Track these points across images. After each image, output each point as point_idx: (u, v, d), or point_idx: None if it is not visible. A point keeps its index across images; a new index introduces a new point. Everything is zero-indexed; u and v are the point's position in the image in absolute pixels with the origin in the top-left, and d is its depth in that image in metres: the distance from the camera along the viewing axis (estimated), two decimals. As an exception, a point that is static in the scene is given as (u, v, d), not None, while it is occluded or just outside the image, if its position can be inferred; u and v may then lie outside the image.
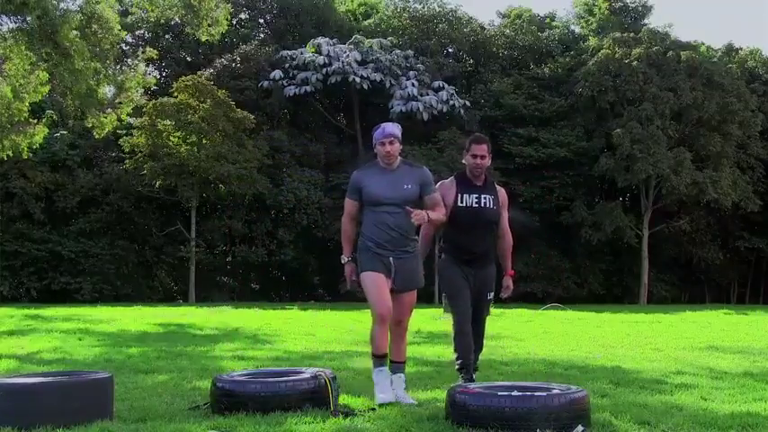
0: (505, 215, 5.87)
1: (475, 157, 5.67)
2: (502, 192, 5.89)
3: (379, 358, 5.16)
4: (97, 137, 20.12)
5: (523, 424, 3.92)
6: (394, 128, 5.22)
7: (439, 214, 5.23)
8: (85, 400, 4.33)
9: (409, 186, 5.14)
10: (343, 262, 5.24)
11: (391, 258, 5.11)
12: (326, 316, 16.34)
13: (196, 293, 32.06)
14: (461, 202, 5.67)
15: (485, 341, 6.08)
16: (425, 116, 35.14)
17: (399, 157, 5.24)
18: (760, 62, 41.08)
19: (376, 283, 5.07)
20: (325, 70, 35.31)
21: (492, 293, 5.82)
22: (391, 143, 5.15)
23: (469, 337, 5.66)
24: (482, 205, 5.69)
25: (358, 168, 5.38)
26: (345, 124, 39.47)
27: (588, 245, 36.23)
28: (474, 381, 5.54)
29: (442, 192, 5.68)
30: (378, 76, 35.65)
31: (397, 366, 5.28)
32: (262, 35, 41.30)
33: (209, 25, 17.06)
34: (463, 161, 5.77)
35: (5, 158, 20.27)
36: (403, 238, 5.13)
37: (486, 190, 5.75)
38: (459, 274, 5.69)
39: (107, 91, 19.56)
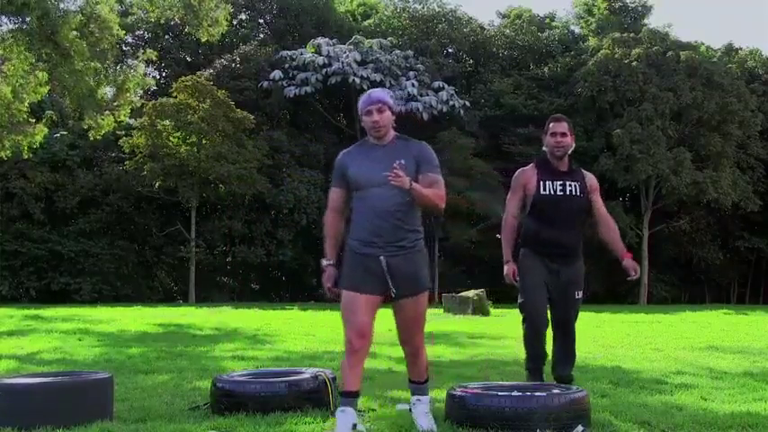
0: (599, 200, 5.30)
1: (554, 135, 5.10)
2: (590, 177, 5.31)
3: (345, 396, 4.08)
4: (92, 139, 20.12)
5: (523, 424, 3.91)
6: (382, 93, 4.29)
7: (429, 193, 4.08)
8: (85, 401, 4.33)
9: (402, 162, 4.10)
10: (323, 266, 4.23)
11: (382, 257, 4.04)
12: (326, 316, 16.34)
13: (196, 294, 32.06)
14: (544, 190, 5.06)
15: (576, 351, 5.36)
16: (425, 116, 35.13)
17: (393, 132, 4.29)
18: (759, 62, 41.09)
19: (350, 303, 4.07)
20: (324, 71, 35.32)
21: (581, 292, 5.21)
22: (380, 111, 4.18)
23: (541, 343, 5.12)
24: (567, 193, 5.08)
25: (344, 150, 4.40)
26: (345, 125, 39.45)
27: (588, 245, 36.15)
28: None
29: (524, 180, 5.13)
30: (378, 77, 35.63)
31: (416, 387, 4.34)
32: (261, 35, 41.30)
33: (209, 25, 17.08)
34: (543, 148, 5.20)
35: (5, 158, 20.28)
36: (396, 229, 4.06)
37: (572, 176, 5.15)
38: (537, 271, 5.05)
39: (107, 92, 19.57)
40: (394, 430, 4.21)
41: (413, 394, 4.38)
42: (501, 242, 5.16)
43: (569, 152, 5.15)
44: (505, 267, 5.11)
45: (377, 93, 4.28)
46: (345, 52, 35.78)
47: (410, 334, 4.22)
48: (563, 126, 5.11)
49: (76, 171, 32.49)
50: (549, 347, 5.28)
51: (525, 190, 5.11)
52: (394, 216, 4.06)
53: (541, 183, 5.07)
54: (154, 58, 24.58)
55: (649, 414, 4.58)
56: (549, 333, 5.25)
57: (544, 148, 5.19)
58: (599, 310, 22.20)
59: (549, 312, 5.18)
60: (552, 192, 5.06)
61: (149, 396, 5.36)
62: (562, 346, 5.23)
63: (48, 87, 17.48)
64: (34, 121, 19.37)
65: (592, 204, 5.26)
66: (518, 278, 5.09)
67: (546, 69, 40.43)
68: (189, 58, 39.57)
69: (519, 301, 5.15)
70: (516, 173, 5.22)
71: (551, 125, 5.14)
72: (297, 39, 39.53)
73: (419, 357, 4.31)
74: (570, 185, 5.10)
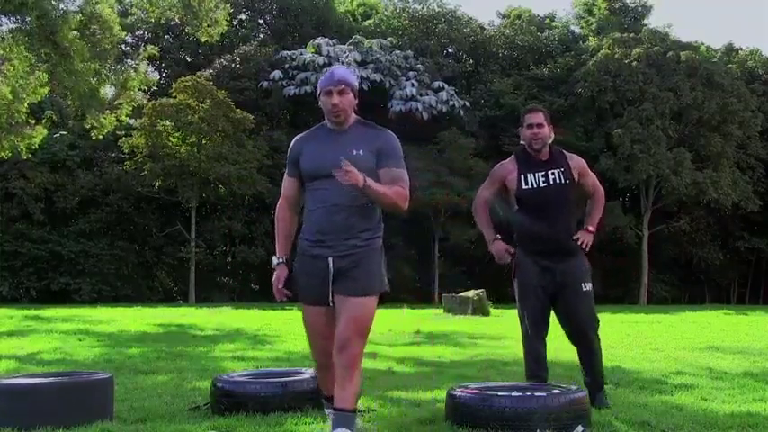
0: (589, 180, 4.96)
1: (531, 126, 4.85)
2: (575, 159, 4.95)
3: (328, 400, 3.93)
4: (95, 138, 20.13)
5: (524, 424, 3.90)
6: (347, 73, 3.78)
7: (389, 193, 3.57)
8: (85, 401, 4.33)
9: (360, 152, 3.60)
10: (273, 265, 3.82)
11: (330, 260, 3.59)
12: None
13: (196, 294, 32.06)
14: (526, 184, 4.80)
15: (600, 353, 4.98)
16: (425, 116, 35.15)
17: (355, 116, 3.78)
18: (760, 62, 41.09)
19: (312, 320, 3.76)
20: (324, 71, 35.26)
21: (588, 284, 4.90)
22: (341, 93, 3.66)
23: (539, 348, 4.89)
24: (551, 183, 4.80)
25: (300, 135, 3.91)
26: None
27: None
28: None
29: (502, 174, 4.90)
30: (377, 77, 35.65)
31: (342, 416, 3.54)
32: (261, 36, 41.31)
33: (208, 26, 17.11)
34: (522, 141, 4.97)
35: (5, 159, 20.29)
36: (348, 227, 3.58)
37: (554, 163, 4.85)
38: (531, 275, 4.80)
39: (107, 91, 19.60)
40: (393, 430, 4.20)
41: (334, 427, 3.53)
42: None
43: (548, 142, 4.90)
44: (491, 248, 4.90)
45: (340, 71, 3.74)
46: (345, 52, 35.80)
47: (348, 338, 3.50)
48: (539, 117, 4.87)
49: (76, 171, 32.50)
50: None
51: (507, 183, 4.88)
52: (347, 212, 3.58)
53: (522, 177, 4.83)
54: (156, 55, 24.58)
55: (649, 414, 4.58)
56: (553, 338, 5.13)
57: (522, 142, 4.98)
58: (599, 310, 22.11)
59: (549, 314, 4.99)
60: (535, 184, 4.80)
61: (149, 396, 5.36)
62: (580, 345, 4.96)
63: (48, 88, 17.49)
64: (33, 122, 19.38)
65: (584, 188, 4.95)
66: (515, 277, 4.92)
67: (546, 70, 40.43)
68: (189, 59, 39.57)
69: (517, 308, 4.99)
70: (495, 166, 5.03)
71: (527, 116, 4.91)
72: (297, 39, 39.54)
73: (353, 374, 3.53)
74: (553, 174, 4.81)
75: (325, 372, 3.82)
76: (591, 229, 4.90)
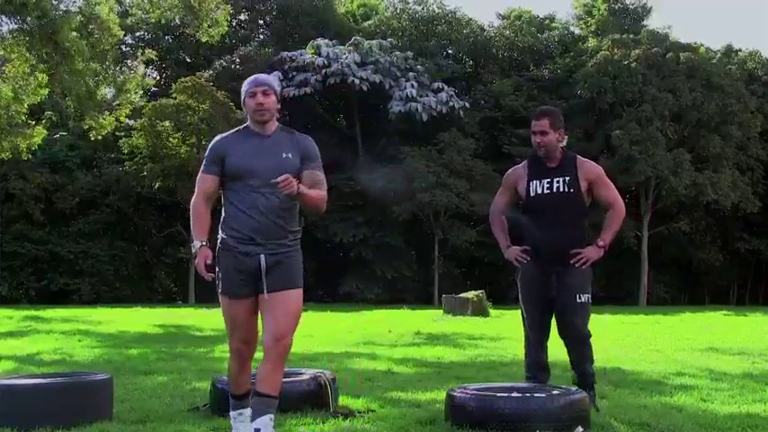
0: (601, 190, 4.82)
1: (534, 134, 4.77)
2: (586, 167, 4.82)
3: (238, 399, 3.94)
4: (93, 139, 20.09)
5: (523, 425, 3.91)
6: (270, 78, 4.00)
7: (314, 195, 3.86)
8: (85, 402, 4.33)
9: (289, 156, 3.85)
10: (193, 249, 3.87)
11: (262, 257, 3.75)
12: (325, 317, 16.34)
13: (196, 295, 32.05)
14: (532, 191, 4.79)
15: (590, 355, 4.97)
16: (425, 117, 35.11)
17: (277, 123, 3.98)
18: (759, 63, 41.08)
19: (233, 313, 3.83)
20: (324, 72, 35.30)
21: (585, 296, 4.87)
22: (265, 93, 3.84)
23: (539, 353, 4.94)
24: (554, 190, 4.74)
25: (220, 134, 4.03)
26: (345, 126, 39.44)
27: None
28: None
29: (513, 180, 4.90)
30: (377, 78, 35.62)
31: (267, 401, 3.72)
32: (261, 36, 41.34)
33: (209, 26, 17.11)
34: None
35: (5, 159, 20.29)
36: (279, 228, 3.79)
37: (561, 171, 4.76)
38: (534, 278, 4.82)
39: (106, 92, 19.58)
40: (393, 431, 4.21)
41: (261, 414, 3.69)
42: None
43: (558, 147, 4.80)
44: (506, 254, 4.93)
45: (263, 76, 3.98)
46: (345, 53, 35.77)
47: (282, 331, 3.71)
48: (543, 124, 4.74)
49: (76, 172, 32.50)
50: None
51: (518, 189, 4.88)
52: (278, 215, 3.78)
53: (530, 184, 4.81)
54: (154, 58, 24.58)
55: (649, 415, 4.58)
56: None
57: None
58: (599, 311, 22.17)
59: (550, 318, 5.00)
60: (539, 191, 4.78)
61: (149, 397, 5.36)
62: (571, 352, 4.97)
63: (48, 89, 17.48)
64: (33, 123, 19.37)
65: (597, 199, 4.87)
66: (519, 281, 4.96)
67: (546, 71, 40.44)
68: (189, 59, 39.58)
69: (520, 309, 5.01)
70: (508, 171, 5.04)
71: (533, 122, 4.82)
72: (296, 40, 39.53)
73: (283, 363, 3.79)
74: (557, 181, 4.75)
75: (239, 363, 3.88)
76: (601, 243, 4.81)
